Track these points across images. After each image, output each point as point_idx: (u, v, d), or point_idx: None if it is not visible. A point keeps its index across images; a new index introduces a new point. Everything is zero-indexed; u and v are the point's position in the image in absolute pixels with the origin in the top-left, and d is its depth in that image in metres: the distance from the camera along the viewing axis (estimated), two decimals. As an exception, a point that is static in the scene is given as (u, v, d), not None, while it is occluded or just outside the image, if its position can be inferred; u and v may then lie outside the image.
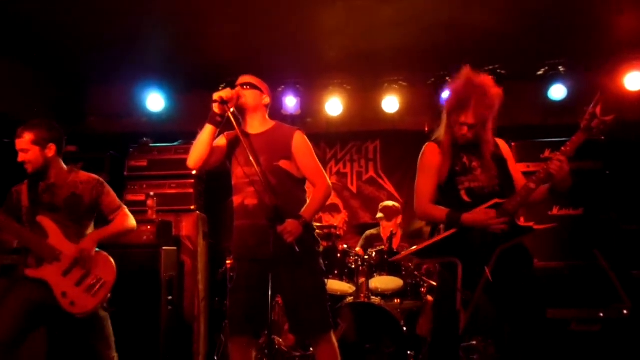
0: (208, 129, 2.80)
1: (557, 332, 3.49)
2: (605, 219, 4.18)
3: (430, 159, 2.76)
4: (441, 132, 2.78)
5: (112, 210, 3.14)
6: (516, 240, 2.54)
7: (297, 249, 2.69)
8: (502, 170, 2.70)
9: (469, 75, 2.67)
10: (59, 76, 5.55)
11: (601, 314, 3.67)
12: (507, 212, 2.52)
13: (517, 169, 2.81)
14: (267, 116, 3.04)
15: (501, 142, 2.81)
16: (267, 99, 3.02)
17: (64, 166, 3.14)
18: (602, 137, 4.16)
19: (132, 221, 3.19)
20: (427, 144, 2.81)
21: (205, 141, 2.81)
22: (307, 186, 3.04)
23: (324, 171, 2.99)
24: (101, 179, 3.17)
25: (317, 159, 2.99)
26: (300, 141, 2.94)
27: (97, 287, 2.94)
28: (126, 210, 3.19)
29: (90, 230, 3.15)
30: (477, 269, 2.51)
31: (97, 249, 3.03)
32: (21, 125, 3.01)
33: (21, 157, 2.98)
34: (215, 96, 2.77)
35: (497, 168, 2.68)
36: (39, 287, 2.89)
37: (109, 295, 3.01)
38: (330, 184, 2.96)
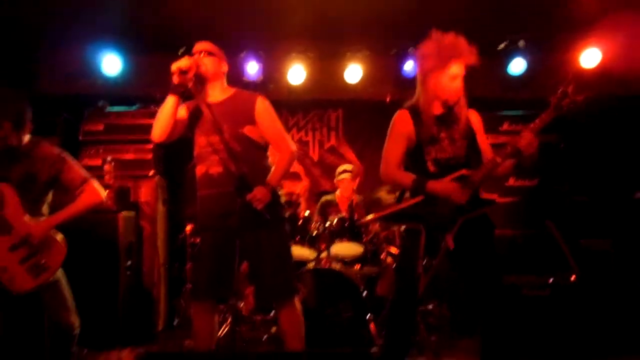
0: (170, 100, 2.75)
1: (511, 296, 3.63)
2: (557, 190, 4.34)
3: (400, 126, 2.77)
4: (418, 99, 2.78)
5: (76, 186, 2.97)
6: (479, 211, 2.61)
7: (268, 217, 2.69)
8: (470, 142, 2.73)
9: (441, 35, 2.68)
10: (6, 35, 5.27)
11: (551, 280, 3.83)
12: (473, 184, 2.58)
13: (485, 141, 2.85)
14: (225, 84, 3.00)
15: (472, 113, 2.83)
16: (225, 67, 2.98)
17: (25, 138, 2.93)
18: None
19: (97, 195, 3.00)
20: (399, 110, 2.81)
21: (168, 113, 2.76)
22: (271, 153, 3.03)
23: (287, 136, 2.99)
24: (63, 154, 2.98)
25: (280, 124, 2.98)
26: (262, 107, 2.91)
27: (40, 269, 2.84)
28: (92, 183, 3.00)
29: (46, 203, 3.01)
30: (439, 236, 2.58)
31: (54, 230, 2.92)
32: None
33: None
34: (174, 67, 2.72)
35: (466, 141, 2.72)
36: None
37: (51, 279, 2.89)
38: (295, 149, 2.95)
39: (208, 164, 2.85)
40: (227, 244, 2.78)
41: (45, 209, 3.02)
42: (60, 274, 2.99)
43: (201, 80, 2.89)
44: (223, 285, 2.84)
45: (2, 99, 2.89)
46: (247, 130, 2.87)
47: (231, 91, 2.98)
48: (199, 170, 2.92)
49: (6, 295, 2.82)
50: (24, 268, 2.82)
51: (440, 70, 2.67)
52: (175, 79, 2.73)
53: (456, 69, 2.66)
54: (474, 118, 2.83)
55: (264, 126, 2.90)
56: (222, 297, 2.89)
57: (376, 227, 4.32)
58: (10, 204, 2.83)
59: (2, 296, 2.84)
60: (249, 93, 2.99)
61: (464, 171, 2.62)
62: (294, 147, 2.95)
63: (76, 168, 3.01)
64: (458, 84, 2.69)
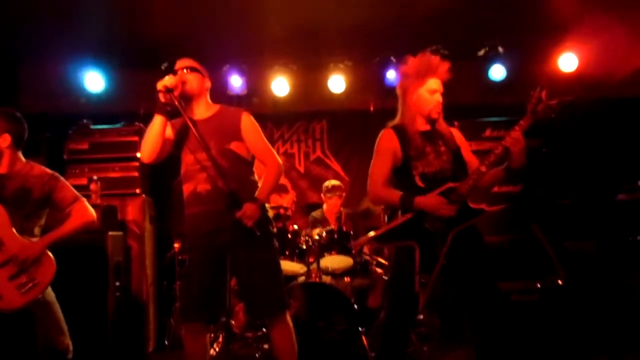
0: (158, 120, 2.75)
1: (501, 302, 3.67)
2: (542, 194, 4.39)
3: (386, 144, 2.80)
4: (401, 117, 2.84)
5: (67, 205, 3.01)
6: (469, 222, 2.64)
7: (258, 233, 2.70)
8: (455, 156, 2.78)
9: (415, 56, 2.79)
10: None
11: (538, 285, 3.88)
12: (460, 196, 2.61)
13: (470, 154, 2.89)
14: (209, 100, 3.01)
15: (455, 131, 2.91)
16: (208, 83, 2.98)
17: (22, 159, 3.01)
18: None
19: (89, 214, 3.05)
20: (384, 129, 2.86)
21: (156, 133, 2.76)
22: (256, 167, 3.04)
23: (273, 150, 2.99)
24: (55, 174, 3.04)
25: (265, 139, 2.98)
26: (248, 122, 2.92)
27: (30, 286, 2.80)
28: (84, 202, 3.06)
29: (39, 225, 3.03)
30: (433, 252, 2.60)
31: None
32: None
33: None
34: (160, 85, 2.71)
35: (451, 154, 2.76)
36: None
37: (40, 296, 2.86)
38: (281, 163, 2.96)
39: (195, 182, 2.84)
40: (217, 261, 2.77)
41: (37, 230, 3.02)
42: (52, 297, 2.98)
43: (186, 98, 2.88)
44: (214, 305, 2.83)
45: (7, 114, 2.97)
46: (234, 146, 2.87)
47: (216, 108, 2.98)
48: (187, 188, 2.90)
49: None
50: (12, 285, 2.79)
51: (419, 86, 2.77)
52: (162, 98, 2.72)
53: (434, 84, 2.76)
54: (456, 133, 2.91)
55: (250, 141, 2.91)
56: (213, 316, 2.88)
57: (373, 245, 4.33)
58: (1, 221, 2.83)
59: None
60: (234, 109, 3.00)
61: (450, 184, 2.66)
62: (280, 160, 2.96)
63: (68, 187, 3.06)
64: (438, 97, 2.77)
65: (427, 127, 2.80)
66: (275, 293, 2.86)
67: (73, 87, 5.53)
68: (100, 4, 4.53)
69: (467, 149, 2.88)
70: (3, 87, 5.42)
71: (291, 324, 2.92)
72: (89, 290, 3.99)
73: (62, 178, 3.07)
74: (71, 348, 3.02)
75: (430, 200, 2.62)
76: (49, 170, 3.05)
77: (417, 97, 2.77)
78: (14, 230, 2.86)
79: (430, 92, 2.75)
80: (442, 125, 2.82)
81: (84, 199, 3.09)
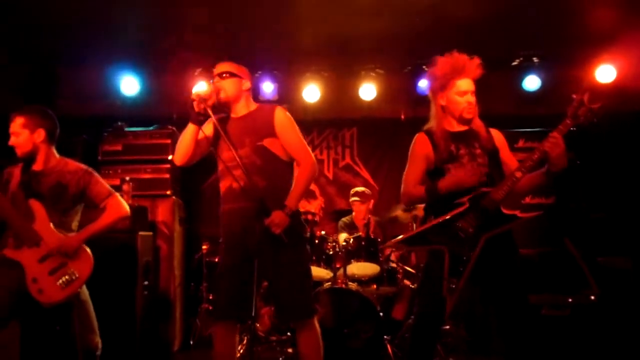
0: (191, 128, 2.82)
1: (531, 316, 3.59)
2: (575, 207, 4.30)
3: (419, 148, 2.79)
4: (432, 121, 2.82)
5: (102, 199, 3.11)
6: (501, 228, 2.57)
7: (286, 240, 2.70)
8: (492, 159, 2.72)
9: (443, 57, 2.75)
10: (27, 58, 5.39)
11: (570, 300, 3.79)
12: (494, 202, 2.56)
13: (511, 157, 2.81)
14: (251, 99, 3.03)
15: (495, 132, 2.83)
16: (247, 84, 2.99)
17: (56, 155, 3.12)
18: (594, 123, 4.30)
19: (123, 208, 3.15)
20: (417, 134, 2.84)
21: (189, 139, 2.83)
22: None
23: (308, 148, 2.96)
24: (89, 169, 3.15)
25: (300, 135, 2.96)
26: (282, 117, 2.92)
27: (69, 280, 2.90)
28: (117, 197, 3.16)
29: (76, 220, 3.12)
30: (463, 257, 2.55)
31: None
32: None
33: (12, 140, 3.00)
34: (194, 95, 2.77)
35: (488, 157, 2.71)
36: (15, 271, 2.84)
37: (79, 290, 2.97)
38: (316, 161, 2.94)
39: (231, 178, 2.85)
40: (246, 264, 2.77)
41: (74, 225, 3.13)
42: (86, 295, 3.07)
43: (224, 103, 2.94)
44: (243, 306, 2.84)
45: (41, 111, 3.09)
46: (267, 142, 2.87)
47: (254, 106, 3.02)
48: (223, 184, 2.93)
49: (37, 309, 2.87)
50: (53, 279, 2.88)
51: (448, 89, 2.73)
52: (195, 107, 2.76)
53: (463, 85, 2.71)
54: (496, 135, 2.82)
55: (283, 137, 2.89)
56: (242, 317, 2.89)
57: (402, 248, 4.29)
58: (39, 217, 2.94)
59: (33, 310, 2.90)
60: (269, 105, 3.03)
61: (483, 189, 2.61)
62: (314, 158, 2.93)
63: (102, 182, 3.16)
64: (469, 98, 2.72)
65: (462, 128, 2.76)
66: (302, 298, 2.86)
67: (109, 91, 5.66)
68: (136, 10, 4.62)
69: (506, 151, 2.81)
70: (42, 90, 5.58)
71: (318, 330, 2.91)
72: (118, 288, 4.04)
73: (95, 173, 3.16)
74: (100, 346, 3.09)
75: (452, 178, 2.59)
76: (83, 166, 3.15)
77: (448, 100, 2.74)
78: (52, 225, 2.95)
79: (460, 94, 2.71)
80: (478, 125, 2.76)
81: (118, 194, 3.18)
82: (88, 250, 3.02)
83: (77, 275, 2.92)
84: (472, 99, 2.72)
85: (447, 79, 2.72)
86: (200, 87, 2.79)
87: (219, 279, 2.91)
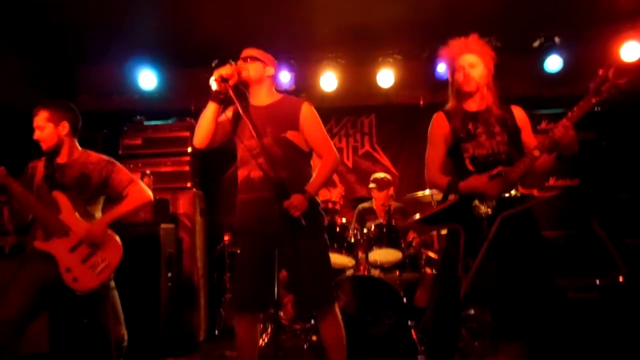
0: (211, 107, 2.80)
1: (556, 299, 3.53)
2: (602, 189, 4.21)
3: (438, 128, 2.78)
4: (450, 102, 2.81)
5: (124, 187, 3.15)
6: (518, 208, 2.54)
7: (304, 223, 2.69)
8: (512, 138, 2.68)
9: (462, 38, 2.77)
10: (47, 55, 5.45)
11: (597, 282, 3.72)
12: (510, 181, 2.53)
13: (532, 137, 2.77)
14: (273, 88, 3.02)
15: (517, 110, 2.79)
16: (271, 70, 2.98)
17: (78, 147, 3.17)
18: (599, 107, 4.17)
19: (145, 194, 3.18)
20: (435, 113, 2.83)
21: (209, 119, 2.80)
22: (313, 160, 3.03)
23: (331, 143, 2.97)
24: (111, 159, 3.20)
25: (324, 130, 2.98)
26: (308, 112, 2.92)
27: (102, 266, 2.96)
28: (140, 184, 3.19)
29: (99, 208, 3.18)
30: (479, 236, 2.53)
31: (107, 229, 3.05)
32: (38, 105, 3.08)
33: (36, 134, 3.05)
34: (215, 74, 2.76)
35: (507, 135, 2.67)
36: (47, 263, 2.89)
37: (112, 275, 3.03)
38: (338, 156, 2.94)
39: (250, 167, 2.85)
40: (266, 253, 2.76)
41: (98, 214, 3.17)
42: (113, 286, 3.10)
43: (245, 85, 2.93)
44: (264, 296, 2.85)
45: (64, 104, 3.14)
46: (290, 134, 2.87)
47: (278, 96, 3.00)
48: (241, 173, 2.93)
49: (68, 296, 2.92)
50: (86, 267, 2.94)
51: (455, 68, 2.75)
52: (216, 86, 2.76)
53: (462, 60, 2.72)
54: (519, 114, 2.78)
55: (308, 132, 2.90)
56: (263, 307, 2.90)
57: (421, 229, 4.27)
58: (65, 207, 2.99)
59: (65, 298, 2.94)
60: (296, 99, 3.01)
61: (500, 168, 2.58)
62: (337, 153, 2.94)
63: (124, 171, 3.21)
64: (466, 71, 2.71)
65: (480, 108, 2.73)
66: (322, 286, 2.86)
67: (128, 86, 5.72)
68: (153, 5, 4.63)
69: (528, 130, 2.76)
70: (63, 86, 5.66)
71: (340, 317, 2.91)
72: (142, 281, 4.09)
73: (117, 162, 3.21)
74: (126, 337, 3.13)
75: (473, 183, 2.57)
76: (104, 156, 3.20)
77: (455, 78, 2.76)
78: (78, 215, 2.99)
79: (459, 69, 2.73)
80: (496, 104, 2.73)
81: (140, 181, 3.21)
82: (115, 235, 3.08)
83: (109, 262, 2.98)
84: (469, 71, 2.71)
85: (451, 60, 2.76)
86: (222, 68, 2.79)
87: (238, 270, 2.91)
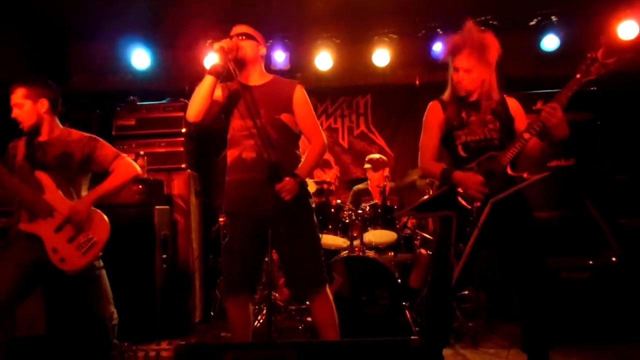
0: (208, 80, 2.72)
1: (549, 279, 3.56)
2: (597, 169, 4.21)
3: (432, 117, 2.80)
4: (447, 89, 2.82)
5: (110, 162, 3.08)
6: (508, 191, 2.55)
7: (295, 207, 2.69)
8: (505, 126, 2.69)
9: (470, 26, 2.70)
10: (39, 35, 5.36)
11: (590, 262, 3.74)
12: (501, 165, 2.54)
13: (525, 126, 2.75)
14: (263, 68, 2.98)
15: (511, 100, 2.80)
16: (263, 50, 2.95)
17: (59, 125, 3.10)
18: (595, 87, 4.13)
19: (132, 168, 3.09)
20: (431, 102, 2.84)
21: (205, 92, 2.73)
22: (300, 142, 3.02)
23: (320, 128, 2.97)
24: (94, 136, 3.12)
25: (314, 115, 2.97)
26: (301, 95, 2.90)
27: (89, 245, 2.92)
28: (126, 158, 3.11)
29: (84, 187, 3.11)
30: (470, 221, 2.55)
31: (93, 208, 3.00)
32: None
33: (14, 112, 2.97)
34: (216, 46, 2.71)
35: (500, 123, 2.68)
36: (32, 244, 2.86)
37: (100, 254, 2.99)
38: (326, 142, 2.94)
39: (242, 148, 2.82)
40: (258, 235, 2.76)
41: (84, 194, 3.09)
42: (102, 265, 3.07)
43: (240, 63, 2.86)
44: (253, 277, 2.87)
45: (41, 80, 3.05)
46: (284, 117, 2.85)
47: (270, 77, 2.97)
48: (232, 153, 2.89)
49: (58, 277, 2.89)
50: (72, 247, 2.90)
51: (453, 65, 2.74)
52: (217, 59, 2.70)
53: (458, 62, 2.69)
54: (512, 104, 2.78)
55: (299, 115, 2.88)
56: (254, 288, 2.91)
57: (416, 216, 4.28)
58: (48, 187, 2.92)
59: (54, 279, 2.92)
60: (288, 80, 2.98)
61: (491, 153, 2.59)
62: (325, 139, 2.94)
63: (108, 146, 3.12)
64: (461, 76, 2.68)
65: (474, 98, 2.74)
66: (313, 267, 2.87)
67: (120, 65, 5.64)
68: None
69: (521, 120, 2.76)
70: (54, 66, 5.58)
71: (331, 297, 2.92)
72: (137, 263, 4.09)
73: (100, 139, 3.13)
74: (116, 315, 3.12)
75: (465, 178, 2.58)
76: (86, 134, 3.12)
77: (450, 77, 2.77)
78: (61, 194, 2.94)
79: (453, 71, 2.72)
80: (489, 95, 2.71)
81: (126, 155, 3.13)
82: (101, 213, 3.02)
83: (95, 240, 2.93)
84: (463, 76, 2.68)
85: (451, 55, 2.74)
86: (222, 40, 2.74)
87: (228, 252, 2.89)
